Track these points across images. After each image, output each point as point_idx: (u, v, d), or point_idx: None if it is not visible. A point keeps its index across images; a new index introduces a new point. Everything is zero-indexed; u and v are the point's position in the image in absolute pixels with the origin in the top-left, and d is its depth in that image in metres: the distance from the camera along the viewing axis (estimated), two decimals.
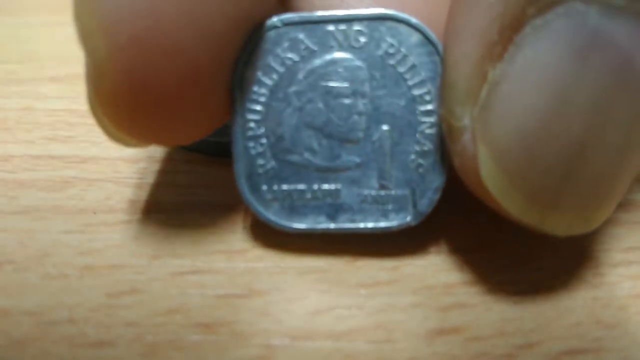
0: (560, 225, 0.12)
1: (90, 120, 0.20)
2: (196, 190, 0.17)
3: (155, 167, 0.18)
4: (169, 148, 0.19)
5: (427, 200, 0.14)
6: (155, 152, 0.19)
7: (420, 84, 0.14)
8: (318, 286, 0.15)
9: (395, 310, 0.14)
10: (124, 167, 0.18)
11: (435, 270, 0.15)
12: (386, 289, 0.15)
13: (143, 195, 0.17)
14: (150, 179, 0.18)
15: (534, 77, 0.11)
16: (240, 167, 0.15)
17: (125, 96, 0.13)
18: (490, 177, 0.12)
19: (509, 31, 0.11)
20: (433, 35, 0.14)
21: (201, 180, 0.18)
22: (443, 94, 0.13)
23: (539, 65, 0.11)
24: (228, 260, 0.15)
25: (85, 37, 0.13)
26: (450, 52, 0.13)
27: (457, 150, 0.13)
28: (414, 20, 0.14)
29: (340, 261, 0.15)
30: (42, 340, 0.13)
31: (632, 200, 0.17)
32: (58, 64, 0.23)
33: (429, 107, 0.14)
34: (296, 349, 0.13)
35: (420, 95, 0.14)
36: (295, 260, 0.15)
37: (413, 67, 0.14)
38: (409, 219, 0.14)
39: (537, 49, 0.11)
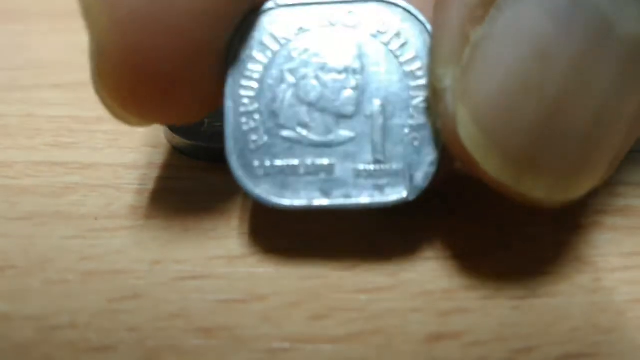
0: (538, 189, 0.12)
1: (92, 127, 0.20)
2: (197, 196, 0.17)
3: (157, 173, 0.18)
4: (168, 154, 0.19)
5: (423, 174, 0.14)
6: (156, 159, 0.19)
7: (412, 60, 0.14)
8: (318, 291, 0.15)
9: (395, 315, 0.14)
10: (126, 174, 0.18)
11: (434, 275, 0.15)
12: (386, 294, 0.15)
13: (144, 201, 0.17)
14: (151, 185, 0.18)
15: (513, 38, 0.12)
16: (231, 143, 0.15)
17: (125, 72, 0.13)
18: (469, 136, 0.12)
19: None
20: (422, 15, 0.14)
21: (202, 186, 0.18)
22: (429, 59, 0.13)
23: (518, 26, 0.12)
24: (229, 265, 0.15)
25: (88, 12, 0.13)
26: (436, 17, 0.13)
27: (439, 112, 0.13)
28: (403, 2, 0.14)
29: (340, 266, 0.15)
30: (44, 345, 0.14)
31: (629, 206, 0.17)
32: (60, 70, 0.23)
33: (421, 82, 0.14)
34: (296, 353, 0.14)
35: (412, 71, 0.14)
36: (296, 266, 0.15)
37: (404, 44, 0.14)
38: (405, 193, 0.14)
39: (517, 11, 0.11)
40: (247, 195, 0.15)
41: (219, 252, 0.16)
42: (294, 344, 0.14)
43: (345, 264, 0.15)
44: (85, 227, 0.16)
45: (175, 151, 0.19)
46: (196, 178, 0.18)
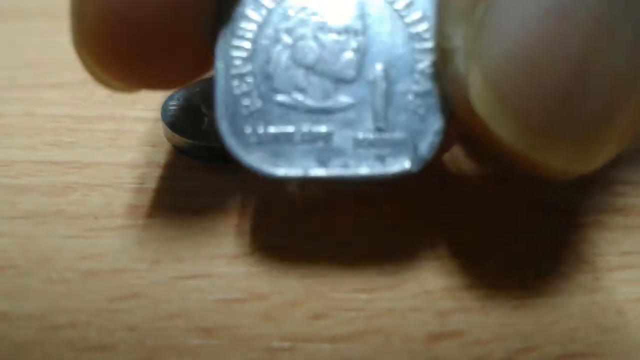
0: (555, 157, 0.12)
1: (92, 126, 0.20)
2: (197, 195, 0.17)
3: (157, 172, 0.18)
4: (168, 154, 0.19)
5: (428, 144, 0.13)
6: (156, 158, 0.19)
7: (418, 21, 0.14)
8: (318, 290, 0.15)
9: (394, 315, 0.14)
10: (125, 173, 0.18)
11: (434, 274, 0.15)
12: (385, 293, 0.15)
13: (144, 200, 0.17)
14: (151, 184, 0.18)
15: None
16: (222, 108, 0.14)
17: (106, 30, 0.13)
18: (482, 100, 0.11)
19: None
20: None
21: (202, 186, 0.18)
22: (437, 17, 0.12)
23: None
24: (228, 264, 0.15)
25: None
26: None
27: (448, 75, 0.12)
28: None
29: (340, 265, 0.15)
30: (44, 345, 0.14)
31: (629, 205, 0.17)
32: (60, 70, 0.23)
33: (428, 45, 0.13)
34: (296, 353, 0.13)
35: (418, 33, 0.14)
36: (295, 265, 0.15)
37: (410, 3, 0.14)
38: (408, 164, 0.13)
39: None
40: (239, 165, 0.14)
41: (218, 251, 0.16)
42: (293, 344, 0.14)
43: (344, 263, 0.15)
44: (85, 226, 0.16)
45: (175, 150, 0.19)
46: (196, 177, 0.18)
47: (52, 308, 0.14)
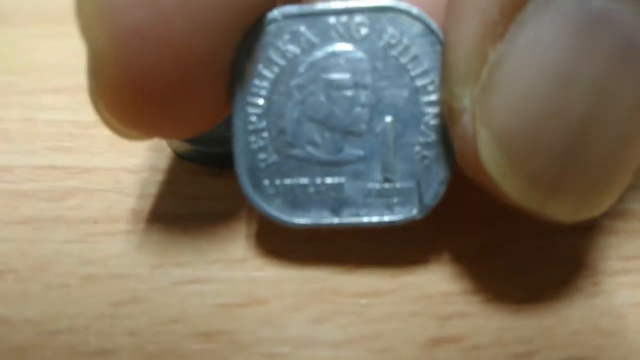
0: (562, 210, 0.12)
1: (92, 131, 0.20)
2: (197, 200, 0.17)
3: (157, 177, 0.18)
4: (168, 159, 0.19)
5: (433, 193, 0.14)
6: (157, 163, 0.19)
7: (423, 74, 0.14)
8: (318, 295, 0.15)
9: (395, 319, 0.14)
10: (126, 178, 0.18)
11: (434, 279, 0.15)
12: (386, 298, 0.15)
13: (145, 205, 0.17)
14: (151, 189, 0.18)
15: (536, 57, 0.11)
16: (241, 162, 0.14)
17: (125, 87, 0.13)
18: (490, 159, 0.12)
19: (511, 10, 0.11)
20: (435, 25, 0.14)
21: (202, 190, 0.18)
22: (443, 75, 0.13)
23: (541, 45, 0.11)
24: (229, 269, 0.15)
25: (86, 26, 0.13)
26: (451, 32, 0.12)
27: (456, 133, 0.13)
28: (415, 10, 0.14)
29: (341, 270, 0.15)
30: (43, 349, 0.14)
31: (629, 209, 0.17)
32: (60, 75, 0.23)
33: (433, 97, 0.14)
34: (297, 358, 0.14)
35: (424, 86, 0.14)
36: (296, 269, 0.15)
37: (415, 57, 0.14)
38: (414, 212, 0.14)
39: (540, 29, 0.11)
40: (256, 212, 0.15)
41: (219, 255, 0.16)
42: (294, 349, 0.14)
43: (345, 268, 0.15)
44: (85, 231, 0.16)
45: (176, 155, 0.19)
46: (196, 182, 0.18)
47: (52, 313, 0.14)
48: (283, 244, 0.15)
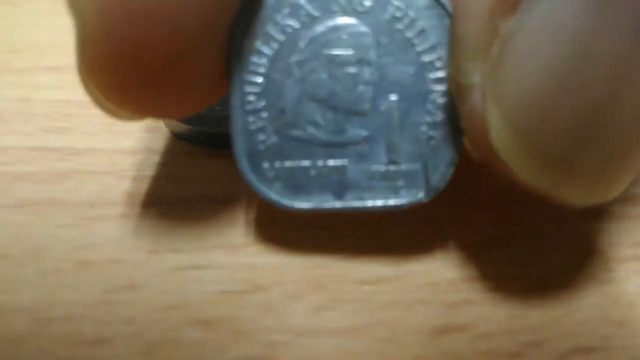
0: (575, 193, 0.12)
1: (88, 112, 0.20)
2: (196, 183, 0.17)
3: (154, 159, 0.18)
4: (165, 139, 0.18)
5: (440, 175, 0.14)
6: (154, 144, 0.18)
7: (430, 49, 0.13)
8: (321, 282, 0.14)
9: (399, 307, 0.14)
10: (122, 160, 0.18)
11: (440, 266, 0.15)
12: (390, 285, 0.14)
13: (141, 188, 0.17)
14: (149, 171, 0.17)
15: (550, 30, 0.11)
16: (239, 144, 0.14)
17: (113, 62, 0.12)
18: (501, 139, 0.11)
19: None
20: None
21: (201, 173, 0.17)
22: (451, 50, 0.12)
23: (555, 18, 0.10)
24: (229, 255, 0.15)
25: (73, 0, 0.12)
26: (460, 6, 0.12)
27: (465, 111, 0.12)
28: None
29: (343, 257, 0.15)
30: (38, 338, 0.13)
31: (639, 194, 0.17)
32: (55, 53, 0.23)
33: (440, 74, 0.13)
34: (299, 346, 0.13)
35: (431, 62, 0.13)
36: (298, 255, 0.15)
37: (422, 31, 0.13)
38: (421, 195, 0.14)
39: (554, 1, 0.10)
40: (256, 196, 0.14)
41: (218, 241, 0.15)
42: (295, 337, 0.13)
43: (348, 254, 0.15)
44: (81, 214, 0.16)
45: (173, 136, 0.19)
46: (195, 164, 0.18)
47: (47, 300, 0.14)
48: (284, 229, 0.15)
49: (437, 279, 0.14)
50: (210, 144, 0.18)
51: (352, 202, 0.14)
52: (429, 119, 0.14)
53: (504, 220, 0.16)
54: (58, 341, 0.13)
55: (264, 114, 0.14)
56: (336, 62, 0.14)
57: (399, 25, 0.13)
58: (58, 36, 0.24)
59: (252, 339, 0.13)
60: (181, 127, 0.18)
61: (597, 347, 0.13)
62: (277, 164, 0.14)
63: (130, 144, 0.18)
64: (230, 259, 0.15)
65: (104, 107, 0.14)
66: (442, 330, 0.13)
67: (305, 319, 0.14)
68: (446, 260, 0.15)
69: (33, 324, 0.13)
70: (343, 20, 0.14)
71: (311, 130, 0.14)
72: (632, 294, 0.14)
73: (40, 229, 0.16)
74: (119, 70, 0.12)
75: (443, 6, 0.13)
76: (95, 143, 0.18)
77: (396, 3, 0.13)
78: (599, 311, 0.14)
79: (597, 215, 0.16)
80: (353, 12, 0.14)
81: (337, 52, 0.14)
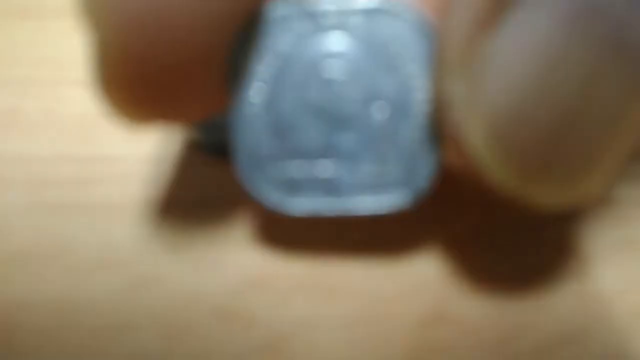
0: (548, 195, 0.12)
1: (109, 123, 0.20)
2: (209, 187, 0.18)
3: (173, 166, 0.19)
4: (183, 148, 0.19)
5: (425, 179, 0.14)
6: (171, 153, 0.19)
7: (415, 62, 0.14)
8: (322, 277, 0.15)
9: (390, 301, 0.15)
10: (141, 167, 0.19)
11: (429, 263, 0.16)
12: (384, 280, 0.15)
13: (159, 192, 0.18)
14: (166, 178, 0.18)
15: (525, 45, 0.11)
16: (240, 152, 0.15)
17: (126, 73, 0.13)
18: (479, 146, 0.12)
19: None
20: (425, 17, 0.14)
21: (213, 178, 0.18)
22: (434, 63, 0.13)
23: (531, 33, 0.11)
24: (239, 252, 0.16)
25: (90, 15, 0.13)
26: (443, 20, 0.13)
27: (447, 121, 0.13)
28: (410, 10, 0.14)
29: (341, 255, 0.16)
30: (64, 330, 0.14)
31: (615, 195, 0.17)
32: (79, 67, 0.23)
33: (424, 85, 0.14)
34: (304, 337, 0.14)
35: (415, 74, 0.14)
36: (300, 254, 0.16)
37: (407, 46, 0.14)
38: (406, 200, 0.14)
39: (530, 17, 0.11)
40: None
41: (229, 240, 0.16)
42: (297, 329, 0.14)
43: (345, 253, 0.16)
44: (103, 217, 0.17)
45: (189, 145, 0.20)
46: (208, 171, 0.19)
47: (72, 295, 0.15)
48: (288, 229, 0.16)
49: (426, 275, 0.15)
50: (223, 152, 0.19)
51: (342, 207, 0.15)
52: (413, 127, 0.14)
53: (488, 220, 0.17)
54: (83, 332, 0.14)
55: (262, 123, 0.15)
56: (327, 74, 0.15)
57: (387, 44, 0.14)
58: (83, 51, 0.24)
59: (261, 330, 0.14)
60: (198, 136, 0.19)
61: (575, 339, 0.14)
62: (274, 172, 0.15)
63: (151, 152, 0.19)
64: (240, 256, 0.16)
65: (118, 116, 0.14)
66: (431, 323, 0.14)
67: (309, 310, 0.15)
68: (436, 256, 0.16)
69: (59, 317, 0.15)
70: (335, 37, 0.15)
71: (304, 137, 0.15)
72: (608, 291, 0.15)
73: (66, 231, 0.17)
74: (131, 80, 0.13)
75: (426, 25, 0.14)
76: (116, 151, 0.19)
77: (383, 22, 0.14)
78: (577, 306, 0.15)
79: (575, 216, 0.17)
80: (344, 30, 0.15)
81: (329, 65, 0.15)
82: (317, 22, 0.15)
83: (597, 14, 0.11)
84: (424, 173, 0.14)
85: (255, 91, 0.15)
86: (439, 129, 0.14)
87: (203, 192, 0.18)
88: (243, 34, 0.15)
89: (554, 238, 0.16)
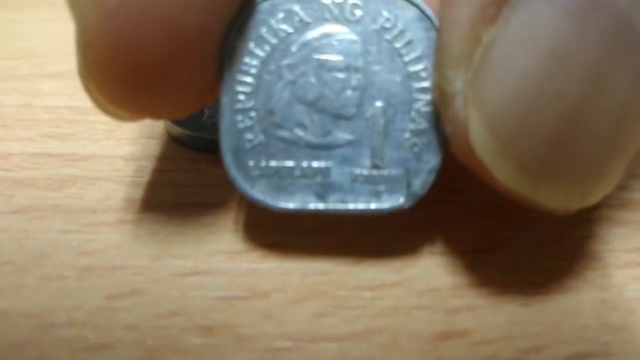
0: (553, 196, 0.12)
1: (90, 118, 0.20)
2: (198, 189, 0.17)
3: (156, 165, 0.18)
4: (167, 146, 0.19)
5: (421, 182, 0.14)
6: (155, 151, 0.18)
7: (417, 60, 0.14)
8: (321, 288, 0.14)
9: (400, 313, 0.14)
10: (124, 166, 0.18)
11: (440, 272, 0.15)
12: (391, 291, 0.14)
13: (143, 194, 0.17)
14: (150, 177, 0.17)
15: (528, 39, 0.11)
16: (226, 142, 0.14)
17: (114, 64, 0.13)
18: (481, 143, 0.12)
19: None
20: (430, 11, 0.14)
21: (202, 179, 0.17)
22: (436, 59, 0.13)
23: (534, 27, 0.11)
24: (230, 261, 0.15)
25: (75, 2, 0.13)
26: (445, 16, 0.12)
27: (448, 118, 0.13)
28: (413, 1, 0.14)
29: (344, 262, 0.15)
30: (41, 343, 0.13)
31: (634, 199, 0.17)
32: (57, 60, 0.23)
33: (425, 84, 0.14)
34: (299, 352, 0.13)
35: (417, 72, 0.14)
36: (298, 262, 0.15)
37: (409, 42, 0.14)
38: (401, 200, 0.14)
39: (533, 11, 0.11)
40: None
41: (219, 247, 0.15)
42: (296, 343, 0.13)
43: (349, 260, 0.15)
44: (83, 221, 0.16)
45: (175, 142, 0.19)
46: (196, 170, 0.18)
47: (49, 306, 0.14)
48: (285, 235, 0.15)
49: (437, 285, 0.15)
50: (211, 150, 0.18)
51: (335, 205, 0.14)
52: (412, 126, 0.14)
53: (504, 226, 0.16)
54: (60, 347, 0.13)
55: (253, 114, 0.14)
56: (325, 67, 0.14)
57: (388, 36, 0.14)
58: (60, 44, 0.24)
59: (253, 345, 0.13)
60: (182, 133, 0.18)
61: (596, 353, 0.13)
62: (263, 163, 0.14)
63: (132, 150, 0.18)
64: (231, 264, 0.15)
65: (104, 109, 0.14)
66: (442, 336, 0.14)
67: (306, 324, 0.14)
68: (446, 266, 0.15)
69: (35, 330, 0.13)
70: (334, 27, 0.14)
71: (298, 131, 0.14)
72: (631, 300, 0.14)
73: (43, 235, 0.16)
74: (119, 71, 0.13)
75: (430, 19, 0.14)
76: (98, 149, 0.19)
77: (385, 14, 0.14)
78: (598, 317, 0.14)
79: (594, 222, 0.16)
80: (344, 21, 0.14)
81: (326, 57, 0.14)
82: (317, 8, 0.14)
83: (601, 5, 0.11)
84: (422, 176, 0.14)
85: (247, 77, 0.14)
86: (441, 130, 0.14)
87: (190, 195, 0.17)
88: (238, 17, 0.14)
89: (571, 248, 0.15)
